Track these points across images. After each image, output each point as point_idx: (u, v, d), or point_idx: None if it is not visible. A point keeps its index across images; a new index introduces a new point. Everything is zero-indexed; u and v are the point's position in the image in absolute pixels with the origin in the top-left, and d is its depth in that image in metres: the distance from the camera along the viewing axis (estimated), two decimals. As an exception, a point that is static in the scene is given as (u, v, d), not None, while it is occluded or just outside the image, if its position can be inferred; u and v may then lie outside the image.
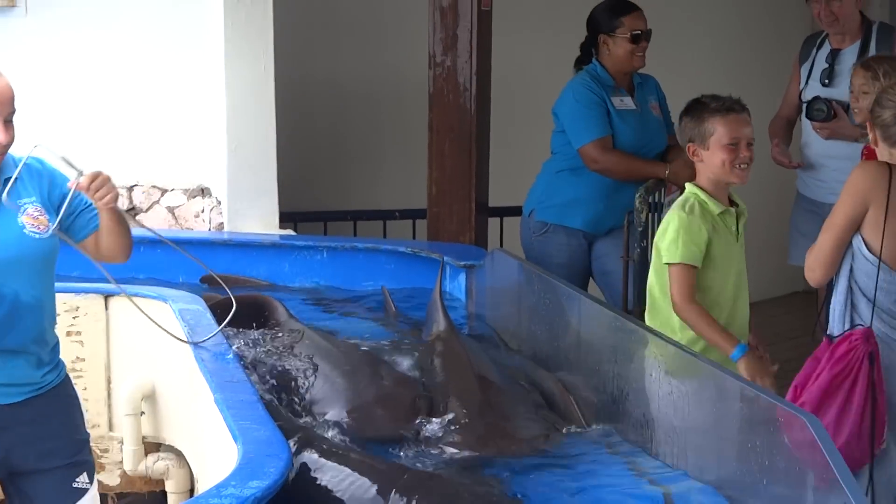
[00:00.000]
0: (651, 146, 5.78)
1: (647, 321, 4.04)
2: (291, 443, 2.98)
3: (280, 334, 4.28)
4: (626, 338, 3.66)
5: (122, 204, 6.04)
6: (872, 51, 5.67)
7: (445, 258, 5.11)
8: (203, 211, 5.94)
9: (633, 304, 5.26)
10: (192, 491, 4.13)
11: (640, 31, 5.69)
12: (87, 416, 4.25)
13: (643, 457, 3.25)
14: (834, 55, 5.77)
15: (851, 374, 3.62)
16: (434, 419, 3.55)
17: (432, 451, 3.40)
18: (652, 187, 5.43)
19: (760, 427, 2.79)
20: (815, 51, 5.92)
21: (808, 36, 6.21)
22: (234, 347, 3.73)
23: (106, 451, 4.31)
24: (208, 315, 3.89)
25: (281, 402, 3.65)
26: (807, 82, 5.86)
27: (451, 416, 3.56)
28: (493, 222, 6.52)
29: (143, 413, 4.19)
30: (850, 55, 5.72)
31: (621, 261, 5.35)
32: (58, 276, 5.08)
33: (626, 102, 5.73)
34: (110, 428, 4.32)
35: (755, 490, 2.82)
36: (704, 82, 8.35)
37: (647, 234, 5.28)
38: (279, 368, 3.92)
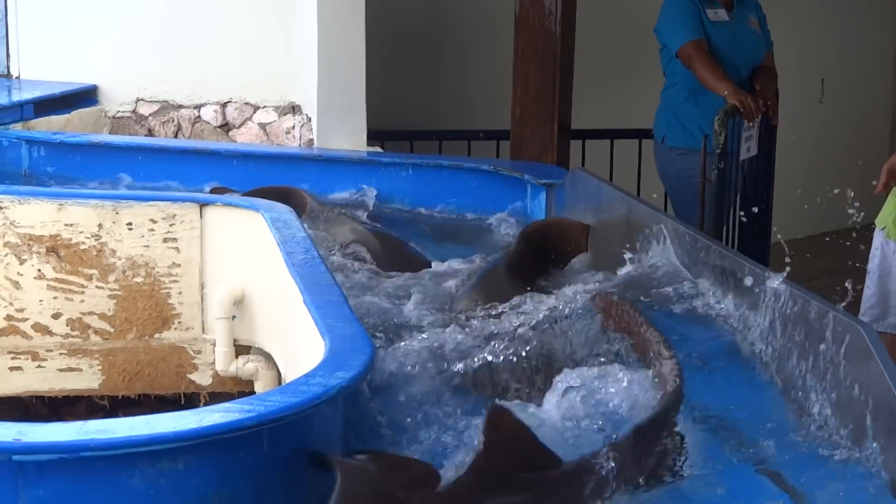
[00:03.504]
0: (744, 57, 5.97)
1: None
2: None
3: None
4: (703, 257, 3.78)
5: (216, 120, 6.23)
6: None
7: (526, 176, 5.25)
8: (293, 127, 6.11)
9: (708, 225, 5.38)
10: (279, 392, 4.31)
11: None
12: (181, 320, 4.49)
13: (707, 361, 3.36)
14: None
15: None
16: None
17: None
18: (731, 111, 5.53)
19: (818, 335, 2.92)
20: None
21: None
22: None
23: (199, 352, 4.49)
24: (299, 224, 4.06)
25: None
26: None
27: None
28: (575, 145, 6.63)
29: (234, 317, 4.36)
30: None
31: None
32: (154, 186, 5.37)
33: (720, 14, 5.93)
34: (203, 330, 4.49)
35: (815, 392, 2.96)
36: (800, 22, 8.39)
37: (724, 156, 5.39)
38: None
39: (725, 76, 5.79)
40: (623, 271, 4.17)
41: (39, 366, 4.40)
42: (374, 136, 6.25)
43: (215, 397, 4.50)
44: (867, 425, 2.72)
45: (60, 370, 4.42)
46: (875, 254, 5.57)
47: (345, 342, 2.92)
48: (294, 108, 6.14)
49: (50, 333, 4.40)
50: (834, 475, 2.75)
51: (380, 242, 4.64)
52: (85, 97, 6.31)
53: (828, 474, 2.76)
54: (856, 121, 9.60)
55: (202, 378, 4.51)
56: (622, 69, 7.93)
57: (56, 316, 4.40)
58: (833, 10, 9.31)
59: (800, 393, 3.03)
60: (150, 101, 6.32)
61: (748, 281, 3.43)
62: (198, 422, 2.46)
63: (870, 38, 9.63)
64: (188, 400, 4.54)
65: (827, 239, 8.35)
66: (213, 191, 5.22)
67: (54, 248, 4.38)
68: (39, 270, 4.38)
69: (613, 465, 2.56)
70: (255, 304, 4.33)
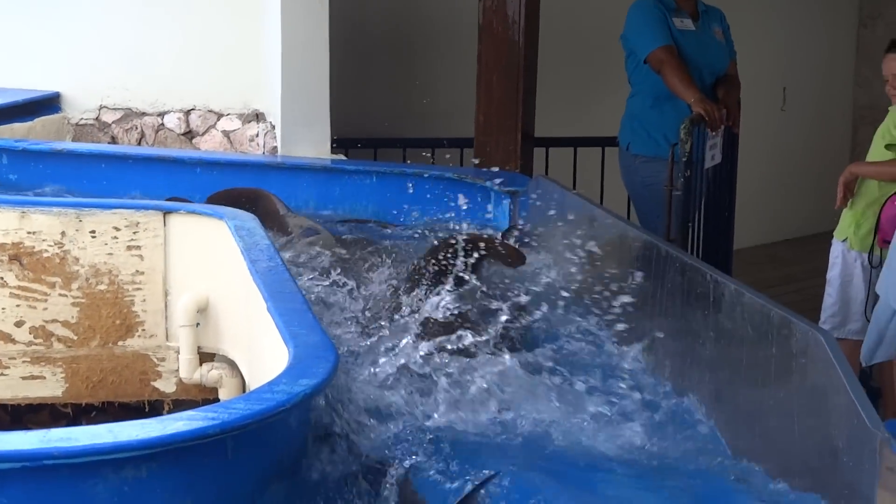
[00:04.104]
0: (709, 66, 6.01)
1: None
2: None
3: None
4: (666, 265, 3.80)
5: (179, 127, 6.23)
6: None
7: (489, 184, 5.27)
8: (257, 135, 6.11)
9: (675, 233, 5.42)
10: (243, 400, 4.31)
11: None
12: (145, 327, 4.49)
13: (660, 367, 3.39)
14: None
15: None
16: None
17: None
18: (696, 119, 5.57)
19: (777, 343, 2.95)
20: None
21: None
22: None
23: (163, 359, 4.48)
24: (262, 231, 4.06)
25: None
26: None
27: None
28: (539, 152, 6.65)
29: (198, 324, 4.36)
30: None
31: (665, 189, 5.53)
32: (118, 194, 5.36)
33: (686, 24, 5.97)
34: (167, 338, 4.49)
35: (774, 401, 2.98)
36: (759, 17, 8.46)
37: (690, 165, 5.42)
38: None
39: (693, 84, 5.83)
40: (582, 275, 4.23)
41: (2, 374, 4.39)
42: (337, 144, 6.26)
43: (179, 405, 4.50)
44: (827, 434, 2.75)
45: (23, 378, 4.40)
46: (836, 262, 5.64)
47: (308, 349, 2.92)
48: (258, 116, 6.15)
49: (13, 341, 4.39)
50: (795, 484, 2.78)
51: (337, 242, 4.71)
52: (48, 104, 6.29)
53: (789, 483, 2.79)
54: (817, 129, 9.68)
55: (166, 385, 4.50)
56: (585, 77, 7.97)
57: (19, 324, 4.39)
58: (794, 20, 9.39)
59: (759, 402, 3.05)
60: (114, 109, 6.30)
61: (709, 289, 3.45)
62: (161, 430, 2.45)
63: (830, 48, 9.72)
64: (152, 407, 4.54)
65: (787, 245, 8.42)
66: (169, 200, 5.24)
67: (17, 256, 4.37)
68: (2, 278, 4.37)
69: None
70: (219, 312, 4.33)
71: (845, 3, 9.75)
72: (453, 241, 4.32)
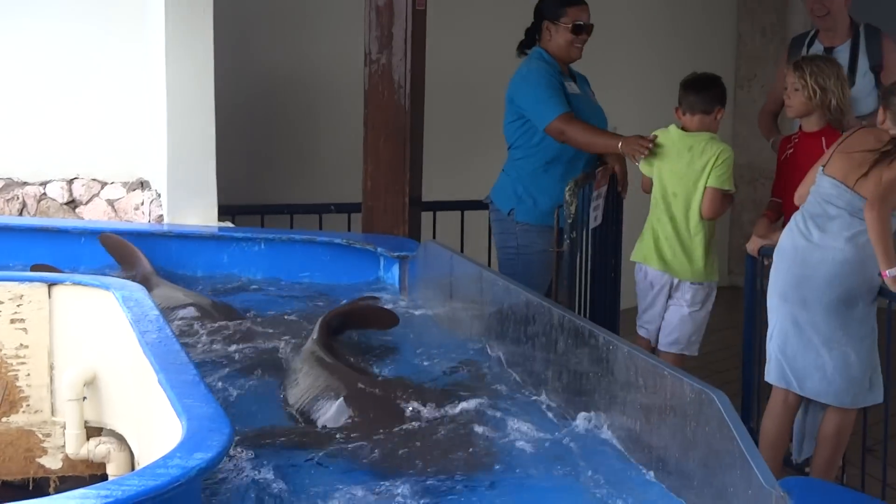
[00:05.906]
0: (599, 126, 6.05)
1: None
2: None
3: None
4: (553, 325, 3.82)
5: (62, 197, 6.13)
6: (862, 49, 6.09)
7: (379, 249, 5.27)
8: (143, 203, 6.04)
9: (562, 294, 5.45)
10: (133, 474, 4.22)
11: (581, 23, 5.96)
12: (30, 402, 4.38)
13: (560, 427, 3.40)
14: (828, 52, 6.10)
15: None
16: None
17: None
18: (581, 181, 5.62)
19: (672, 403, 2.98)
20: (805, 50, 6.25)
21: (793, 38, 6.69)
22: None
23: (48, 435, 4.38)
24: (151, 302, 4.00)
25: None
26: None
27: None
28: (427, 216, 6.66)
29: (85, 398, 4.27)
30: (843, 53, 6.12)
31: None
32: (2, 266, 5.25)
33: (573, 87, 6.03)
34: (53, 413, 4.39)
35: (669, 462, 3.01)
36: (638, 80, 8.59)
37: (576, 226, 5.46)
38: None
39: (605, 131, 5.91)
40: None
41: None
42: (224, 211, 6.21)
43: (66, 481, 4.40)
44: (724, 493, 2.77)
45: None
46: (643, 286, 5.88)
47: (202, 422, 2.88)
48: (143, 184, 6.08)
49: None
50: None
51: (212, 306, 4.73)
52: (-75, 175, 6.17)
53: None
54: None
55: (52, 462, 4.40)
56: (471, 140, 8.03)
57: None
58: (670, 81, 9.54)
59: (656, 463, 3.08)
60: (-6, 179, 6.20)
61: (599, 347, 3.48)
62: (53, 510, 2.40)
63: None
64: (37, 485, 4.42)
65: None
66: (33, 268, 5.14)
67: None
68: None
69: None
70: (107, 385, 4.25)
71: (721, 65, 9.95)
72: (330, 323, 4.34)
